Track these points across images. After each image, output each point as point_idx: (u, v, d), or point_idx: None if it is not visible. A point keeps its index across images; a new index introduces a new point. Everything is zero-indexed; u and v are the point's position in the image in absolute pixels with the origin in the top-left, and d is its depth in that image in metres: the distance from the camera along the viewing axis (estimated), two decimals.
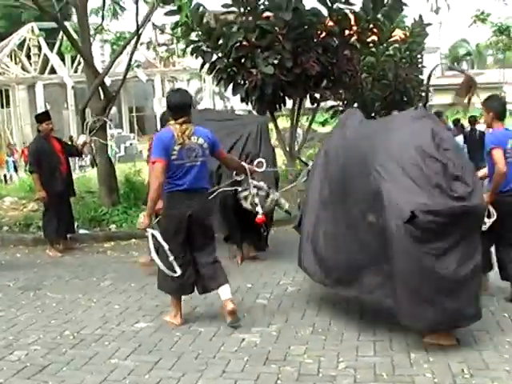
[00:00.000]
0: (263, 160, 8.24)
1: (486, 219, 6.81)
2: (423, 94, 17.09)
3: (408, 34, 16.18)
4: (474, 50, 62.42)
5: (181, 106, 6.60)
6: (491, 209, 7.00)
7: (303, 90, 13.56)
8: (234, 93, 13.42)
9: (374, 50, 15.05)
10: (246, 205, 8.76)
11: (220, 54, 12.81)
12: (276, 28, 12.38)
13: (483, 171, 7.50)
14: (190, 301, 7.53)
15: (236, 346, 6.16)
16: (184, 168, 6.50)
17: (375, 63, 15.59)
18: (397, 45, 15.88)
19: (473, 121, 17.55)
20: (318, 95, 14.18)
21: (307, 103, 15.03)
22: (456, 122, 18.76)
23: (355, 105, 16.23)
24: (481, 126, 18.41)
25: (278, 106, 13.97)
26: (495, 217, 7.01)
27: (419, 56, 16.84)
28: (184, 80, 46.77)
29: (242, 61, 12.80)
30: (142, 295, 8.09)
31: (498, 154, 6.97)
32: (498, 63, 57.28)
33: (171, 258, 6.44)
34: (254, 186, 8.36)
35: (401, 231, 5.76)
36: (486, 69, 54.13)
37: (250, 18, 12.47)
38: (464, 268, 5.76)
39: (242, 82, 13.07)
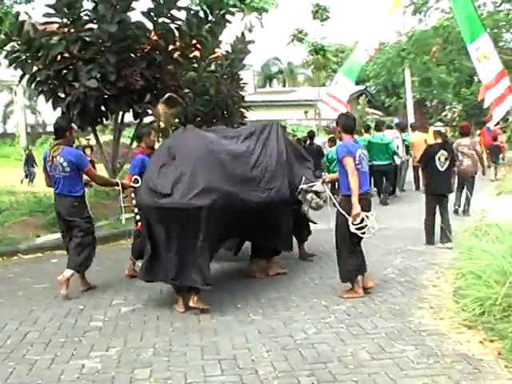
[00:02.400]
0: (138, 177, 9.01)
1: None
2: (243, 109, 17.32)
3: (230, 50, 16.29)
4: (285, 68, 64.55)
5: (56, 130, 8.83)
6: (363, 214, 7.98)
7: (126, 104, 13.29)
8: (55, 106, 12.91)
9: (196, 65, 15.06)
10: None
11: (41, 66, 12.27)
12: (100, 40, 12.05)
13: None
14: (20, 327, 7.15)
15: (77, 373, 5.85)
16: (54, 178, 8.69)
17: (197, 79, 15.58)
18: (219, 61, 15.97)
19: (312, 135, 19.21)
20: (140, 110, 13.94)
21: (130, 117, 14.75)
22: (293, 136, 20.10)
23: (176, 120, 16.09)
24: (317, 140, 19.66)
25: (99, 120, 13.61)
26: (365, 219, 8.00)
27: (239, 73, 16.98)
28: None
29: (64, 73, 12.35)
30: None
31: (349, 161, 7.98)
32: (308, 81, 59.52)
33: None
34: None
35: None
36: (296, 86, 56.00)
37: (73, 29, 12.05)
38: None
39: (64, 95, 12.60)
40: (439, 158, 11.43)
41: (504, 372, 5.59)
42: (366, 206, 8.08)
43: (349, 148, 8.09)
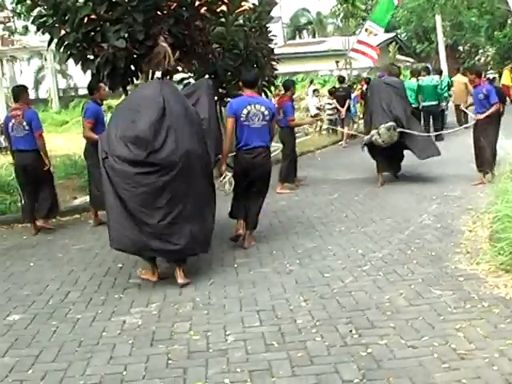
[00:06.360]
0: None
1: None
2: (273, 62, 17.17)
3: (257, 3, 16.10)
4: (314, 18, 63.83)
5: None
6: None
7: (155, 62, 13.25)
8: (85, 69, 12.91)
9: (223, 20, 14.93)
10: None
11: (68, 29, 12.26)
12: (126, 0, 11.99)
13: None
14: (61, 287, 7.31)
15: (118, 329, 5.96)
16: None
17: (225, 33, 15.45)
18: (246, 14, 15.80)
19: (342, 80, 21.75)
20: (170, 67, 13.91)
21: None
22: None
23: (206, 76, 16.03)
24: None
25: (130, 79, 13.61)
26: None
27: (268, 25, 16.79)
28: (24, 59, 44.76)
29: (92, 35, 12.33)
30: (10, 285, 7.66)
31: (228, 122, 8.22)
32: (337, 31, 58.79)
33: None
34: None
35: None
36: (326, 37, 55.37)
37: None
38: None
39: (93, 57, 12.60)
40: None
41: None
42: (252, 160, 8.28)
43: (233, 107, 8.28)
